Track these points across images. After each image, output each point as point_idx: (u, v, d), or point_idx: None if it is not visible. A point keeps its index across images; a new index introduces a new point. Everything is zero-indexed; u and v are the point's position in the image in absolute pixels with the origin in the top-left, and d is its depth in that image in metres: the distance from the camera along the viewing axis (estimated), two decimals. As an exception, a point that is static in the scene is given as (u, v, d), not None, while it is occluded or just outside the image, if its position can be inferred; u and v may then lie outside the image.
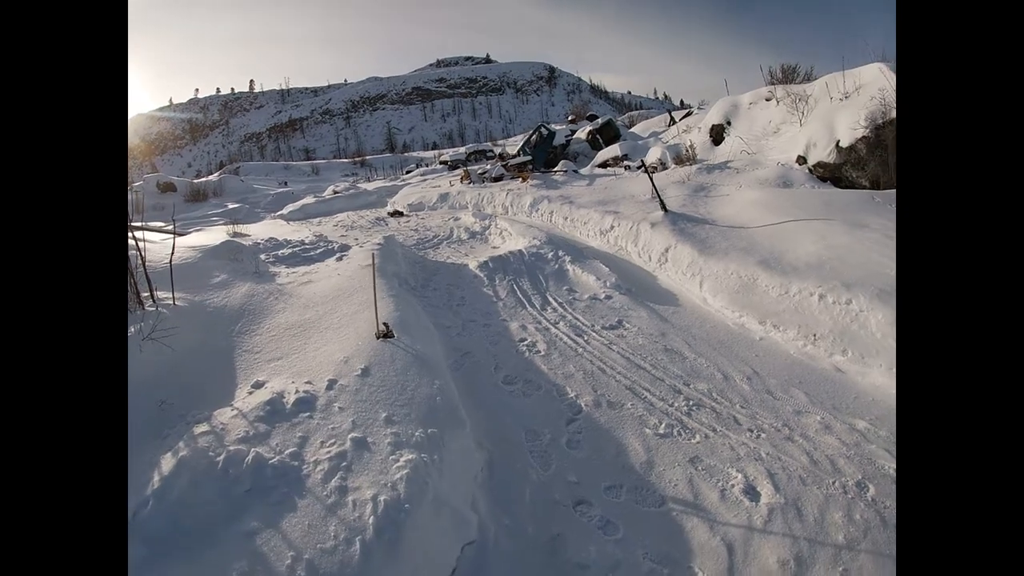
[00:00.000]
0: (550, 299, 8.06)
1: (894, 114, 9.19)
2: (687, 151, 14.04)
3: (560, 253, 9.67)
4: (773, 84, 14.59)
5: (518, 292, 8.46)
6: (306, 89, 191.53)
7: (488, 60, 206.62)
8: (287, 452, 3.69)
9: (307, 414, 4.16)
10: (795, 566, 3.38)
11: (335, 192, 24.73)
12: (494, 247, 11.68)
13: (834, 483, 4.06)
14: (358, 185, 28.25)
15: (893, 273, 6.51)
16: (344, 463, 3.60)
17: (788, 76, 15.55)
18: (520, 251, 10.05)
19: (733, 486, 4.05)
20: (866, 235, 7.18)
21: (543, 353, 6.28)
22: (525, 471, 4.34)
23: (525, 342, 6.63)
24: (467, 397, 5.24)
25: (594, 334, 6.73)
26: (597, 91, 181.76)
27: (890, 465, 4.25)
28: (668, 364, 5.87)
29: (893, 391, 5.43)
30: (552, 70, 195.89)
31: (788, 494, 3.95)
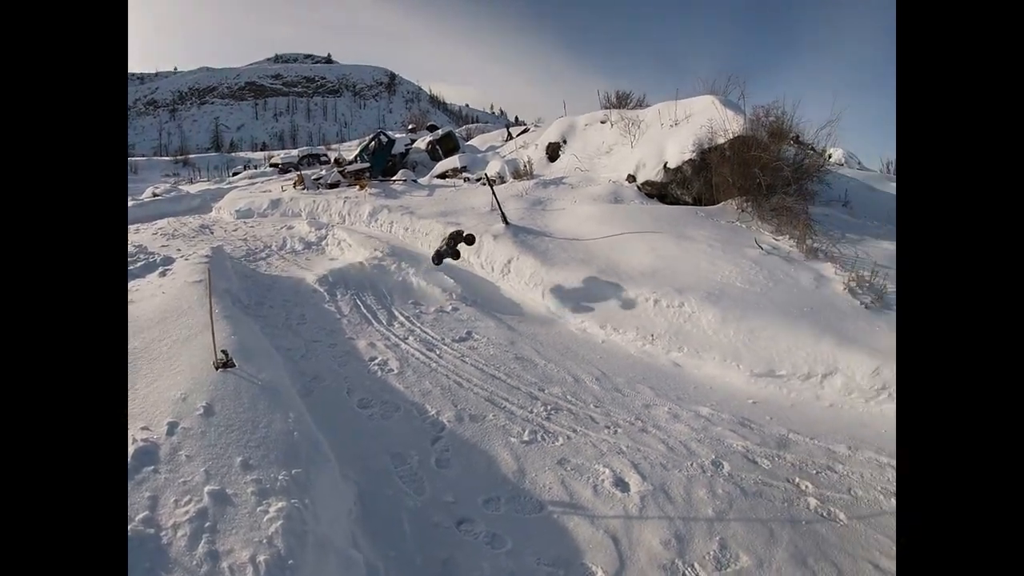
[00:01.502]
0: (396, 314, 7.80)
1: (719, 140, 10.50)
2: (525, 166, 14.46)
3: (403, 265, 9.42)
4: (608, 108, 15.76)
5: (362, 307, 8.09)
6: (132, 75, 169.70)
7: (329, 60, 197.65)
8: (139, 518, 3.03)
9: (151, 467, 3.46)
10: (677, 544, 3.78)
11: (154, 195, 22.08)
12: (332, 259, 11.04)
13: (692, 464, 4.61)
14: (180, 187, 25.53)
15: (719, 278, 7.22)
16: (208, 523, 3.07)
17: (622, 101, 16.86)
18: (361, 263, 9.65)
19: (603, 481, 4.31)
20: (692, 246, 7.90)
21: (396, 371, 6.02)
22: (399, 498, 4.14)
23: (376, 361, 6.34)
24: (323, 426, 4.85)
25: (446, 347, 6.62)
26: (436, 102, 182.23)
27: (739, 443, 4.98)
28: (521, 372, 5.97)
29: (727, 380, 6.25)
30: (393, 76, 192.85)
31: (654, 480, 4.37)
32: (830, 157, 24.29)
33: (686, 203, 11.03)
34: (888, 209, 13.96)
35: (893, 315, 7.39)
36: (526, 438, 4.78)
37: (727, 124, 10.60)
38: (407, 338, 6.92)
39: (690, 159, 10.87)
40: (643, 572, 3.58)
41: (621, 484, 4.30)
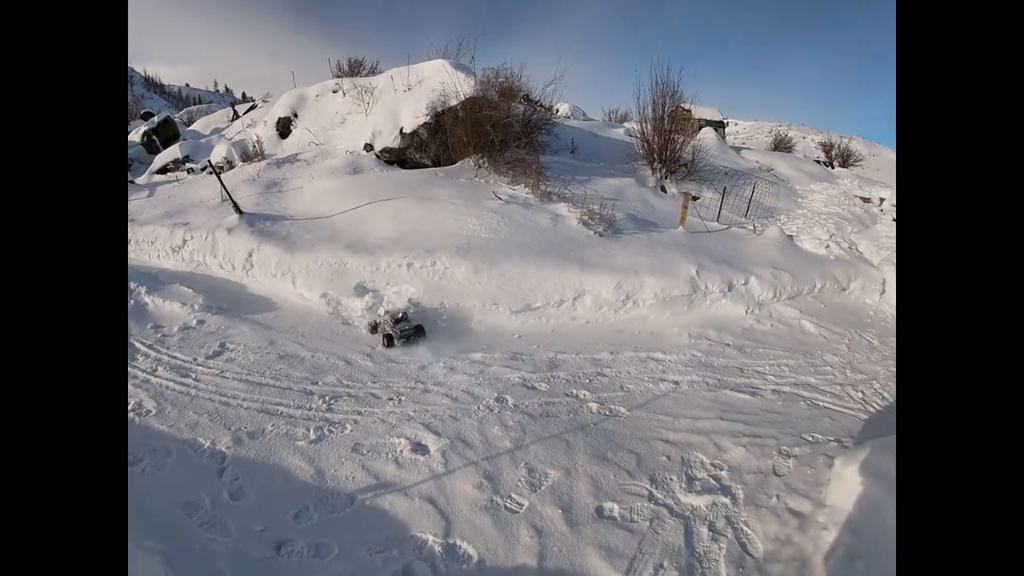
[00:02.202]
0: (136, 344, 6.61)
1: (452, 102, 10.68)
2: (255, 147, 13.21)
3: (132, 284, 8.05)
4: (340, 76, 14.89)
5: (97, 345, 6.76)
6: None
7: None
8: None
9: None
10: (489, 483, 3.95)
11: None
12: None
13: (479, 407, 4.84)
14: None
15: (465, 232, 7.35)
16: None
17: (355, 69, 16.06)
18: (79, 289, 8.04)
19: (402, 451, 4.26)
20: (436, 206, 7.95)
21: (155, 411, 5.04)
22: (209, 548, 3.52)
23: (128, 408, 5.34)
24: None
25: (201, 368, 5.75)
26: (152, 84, 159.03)
27: (515, 376, 5.35)
28: (290, 371, 5.47)
29: (491, 323, 6.53)
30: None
31: (449, 433, 4.47)
32: (557, 111, 26.38)
33: (425, 166, 11.13)
34: (610, 151, 15.70)
35: (624, 237, 8.30)
36: (313, 437, 4.42)
37: (459, 87, 10.85)
38: (156, 370, 5.86)
39: (425, 122, 10.96)
40: (469, 520, 3.63)
41: (420, 448, 4.29)
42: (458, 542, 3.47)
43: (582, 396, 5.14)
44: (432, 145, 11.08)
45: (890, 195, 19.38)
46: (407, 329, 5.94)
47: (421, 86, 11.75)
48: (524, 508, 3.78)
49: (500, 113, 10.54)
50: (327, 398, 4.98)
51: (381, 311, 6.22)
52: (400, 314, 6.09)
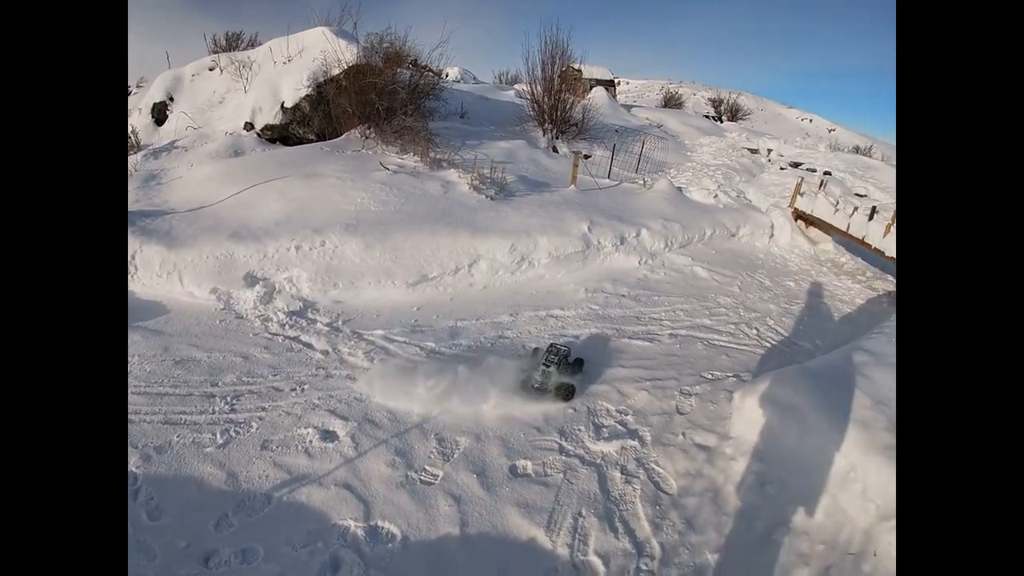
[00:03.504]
0: None
1: (335, 71, 10.20)
2: (130, 138, 12.29)
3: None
4: (217, 52, 13.74)
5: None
6: None
7: None
8: None
9: None
10: (401, 459, 3.99)
11: None
12: None
13: None
14: None
15: (353, 208, 7.16)
16: None
17: (233, 44, 14.92)
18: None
19: (311, 441, 4.19)
20: (322, 182, 7.69)
21: None
22: (138, 575, 3.35)
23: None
24: None
25: None
26: None
27: (416, 349, 5.35)
28: (188, 376, 5.16)
29: (389, 298, 6.45)
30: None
31: (355, 416, 4.46)
32: (447, 75, 26.00)
33: (310, 141, 10.63)
34: (500, 114, 15.70)
35: (516, 200, 8.36)
36: (220, 441, 4.24)
37: (341, 54, 10.35)
38: (46, 397, 5.47)
39: (307, 95, 10.44)
40: (387, 499, 3.64)
41: (329, 435, 4.23)
42: (380, 523, 3.48)
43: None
44: (316, 118, 10.57)
45: (776, 145, 20.55)
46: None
47: (302, 56, 11.12)
48: (439, 479, 3.84)
49: (385, 80, 10.23)
50: (229, 399, 4.76)
51: (280, 303, 6.03)
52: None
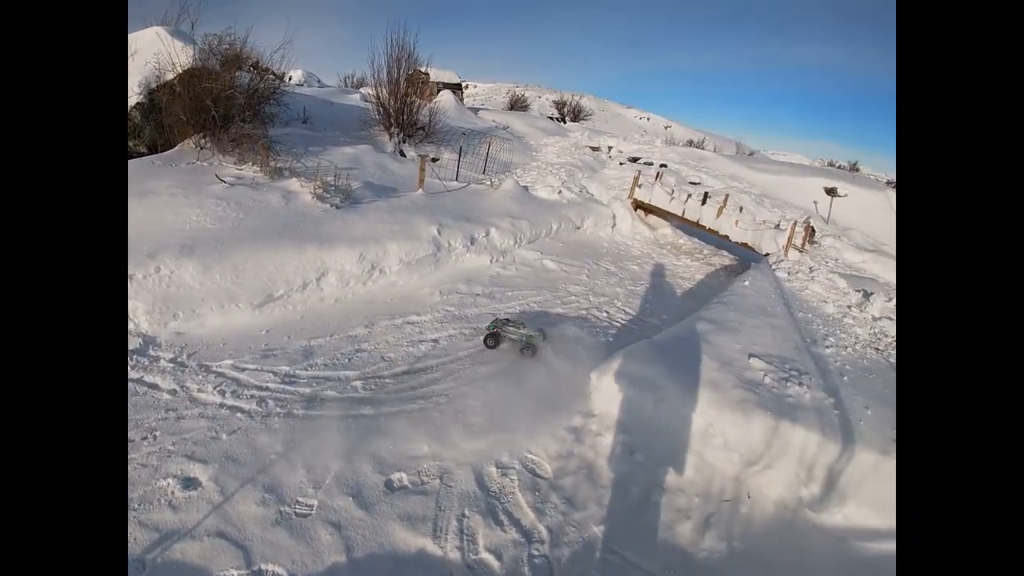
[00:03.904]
0: None
1: (168, 76, 9.32)
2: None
3: None
4: None
5: None
6: None
7: None
8: None
9: None
10: (272, 495, 3.73)
11: None
12: None
13: (238, 418, 4.48)
14: None
15: (188, 227, 6.72)
16: None
17: None
18: None
19: (173, 492, 3.73)
20: (155, 200, 7.13)
21: None
22: None
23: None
24: None
25: None
26: None
27: (269, 376, 5.02)
28: None
29: (236, 323, 6.04)
30: None
31: (215, 457, 4.05)
32: (290, 78, 24.94)
33: (141, 154, 9.57)
34: (345, 118, 15.31)
35: (363, 207, 8.28)
36: None
37: (175, 57, 9.46)
38: None
39: (138, 103, 9.43)
40: (266, 541, 3.41)
41: (191, 482, 3.82)
42: (263, 567, 3.26)
43: (344, 377, 5.12)
44: (147, 129, 9.55)
45: (616, 142, 21.85)
46: None
47: (134, 60, 9.95)
48: (315, 508, 3.67)
49: (223, 84, 9.49)
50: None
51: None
52: None
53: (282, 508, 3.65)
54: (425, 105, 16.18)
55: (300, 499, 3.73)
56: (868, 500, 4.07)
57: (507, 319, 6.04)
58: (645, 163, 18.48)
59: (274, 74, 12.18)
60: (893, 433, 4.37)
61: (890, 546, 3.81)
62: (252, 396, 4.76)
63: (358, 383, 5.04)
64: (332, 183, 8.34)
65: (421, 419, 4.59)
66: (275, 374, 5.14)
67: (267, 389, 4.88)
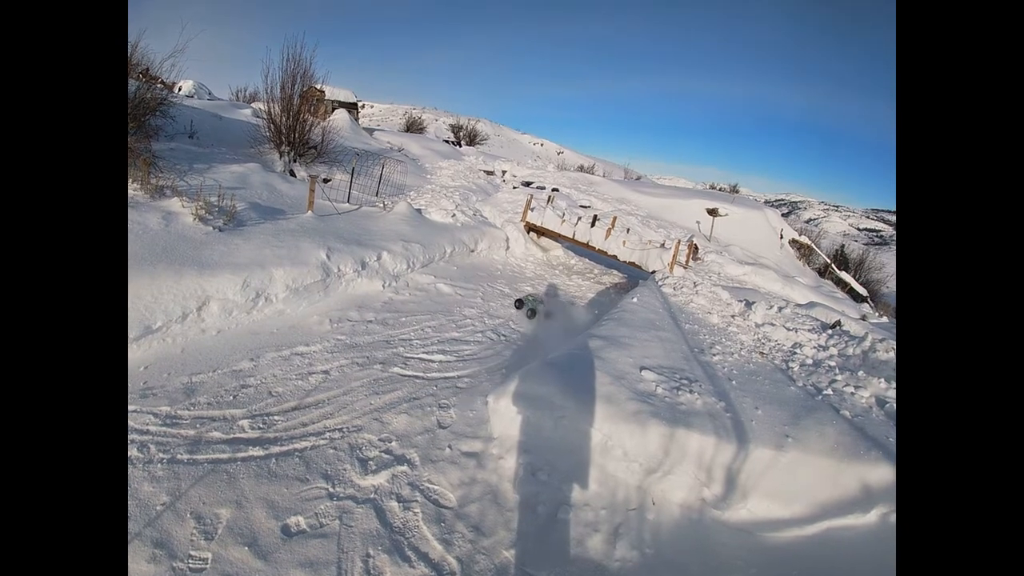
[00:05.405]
0: None
1: None
2: None
3: None
4: None
5: None
6: None
7: None
8: None
9: None
10: (161, 550, 3.38)
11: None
12: None
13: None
14: None
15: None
16: None
17: None
18: None
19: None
20: None
21: None
22: None
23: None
24: None
25: None
26: None
27: (150, 419, 4.25)
28: None
29: (128, 356, 5.37)
30: None
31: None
32: (179, 89, 23.57)
33: None
34: (235, 134, 14.73)
35: (248, 229, 7.95)
36: None
37: None
38: None
39: None
40: None
41: None
42: None
43: (230, 416, 4.76)
44: None
45: (510, 167, 22.39)
46: None
47: None
48: (209, 561, 3.37)
49: None
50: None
51: None
52: None
53: (174, 564, 3.33)
54: (319, 123, 15.85)
55: (193, 552, 3.42)
56: (769, 493, 4.31)
57: None
58: (538, 187, 19.09)
59: (163, 83, 11.54)
60: (784, 429, 4.68)
61: (795, 532, 4.08)
62: (132, 441, 4.32)
63: (245, 422, 4.69)
64: (216, 203, 7.94)
65: (314, 457, 4.37)
66: (155, 415, 4.68)
67: (148, 433, 4.43)
